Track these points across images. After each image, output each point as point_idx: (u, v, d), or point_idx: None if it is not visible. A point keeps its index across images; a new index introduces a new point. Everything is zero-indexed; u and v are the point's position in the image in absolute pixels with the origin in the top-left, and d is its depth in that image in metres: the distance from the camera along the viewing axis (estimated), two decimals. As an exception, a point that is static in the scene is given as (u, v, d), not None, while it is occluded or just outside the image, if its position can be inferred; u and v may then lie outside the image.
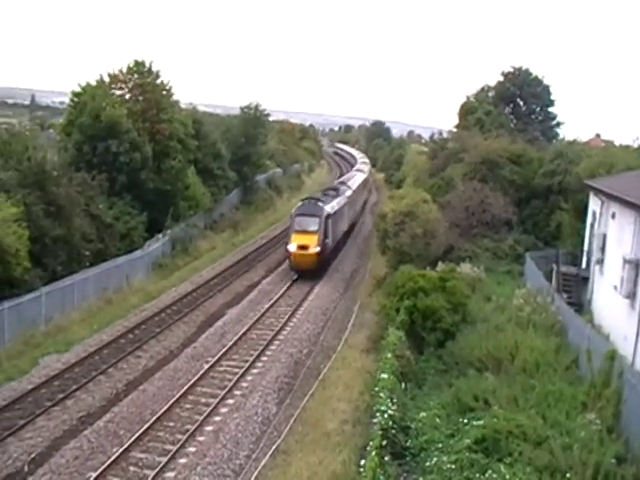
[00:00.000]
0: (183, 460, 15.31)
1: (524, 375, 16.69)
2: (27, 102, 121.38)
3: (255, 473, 14.78)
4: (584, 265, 25.43)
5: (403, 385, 17.13)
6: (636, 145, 34.55)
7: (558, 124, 51.08)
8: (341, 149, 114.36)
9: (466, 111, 51.76)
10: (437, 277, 22.17)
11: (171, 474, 14.66)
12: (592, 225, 24.96)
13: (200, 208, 40.05)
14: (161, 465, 14.89)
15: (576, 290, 24.62)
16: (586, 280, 24.40)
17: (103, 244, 27.47)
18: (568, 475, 12.10)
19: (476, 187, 33.33)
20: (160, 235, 33.19)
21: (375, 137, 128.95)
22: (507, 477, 12.25)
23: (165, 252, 33.25)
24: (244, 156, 51.38)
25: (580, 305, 23.32)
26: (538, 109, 51.34)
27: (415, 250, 28.50)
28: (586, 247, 25.58)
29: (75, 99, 33.61)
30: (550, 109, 51.40)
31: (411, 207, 29.72)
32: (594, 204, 24.87)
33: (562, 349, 18.34)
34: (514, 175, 34.23)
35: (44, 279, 23.31)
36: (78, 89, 33.79)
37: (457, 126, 52.48)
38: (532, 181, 33.64)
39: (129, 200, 31.53)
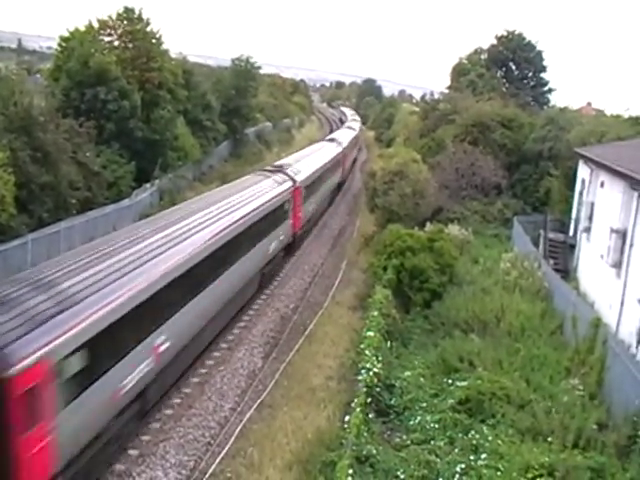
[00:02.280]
0: (169, 411, 15.19)
1: (509, 338, 16.71)
2: (14, 46, 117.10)
3: (240, 426, 14.71)
4: (571, 232, 25.33)
5: (389, 343, 17.13)
6: (627, 115, 34.15)
7: (550, 90, 50.35)
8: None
9: (458, 73, 51.01)
10: (425, 237, 22.04)
11: (156, 425, 14.54)
12: (581, 193, 24.75)
13: (189, 159, 39.32)
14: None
15: (563, 257, 24.59)
16: (573, 247, 24.34)
17: (90, 192, 26.78)
18: (550, 439, 12.16)
19: (467, 149, 32.90)
20: (148, 185, 32.52)
21: (366, 95, 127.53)
22: (490, 438, 12.36)
23: (153, 202, 32.58)
24: (234, 108, 50.52)
25: (566, 272, 23.32)
26: (530, 74, 50.47)
27: (404, 209, 28.22)
28: (574, 214, 25.42)
29: (63, 44, 32.56)
30: (542, 75, 50.55)
31: (401, 166, 29.26)
32: (583, 172, 24.59)
33: (547, 314, 18.33)
34: (505, 139, 33.85)
35: (30, 226, 22.67)
36: (66, 34, 32.78)
37: (449, 87, 51.69)
38: (523, 146, 33.31)
39: (117, 149, 30.74)
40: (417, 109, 60.81)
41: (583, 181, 24.46)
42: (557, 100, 50.25)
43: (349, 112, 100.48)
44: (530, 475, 10.91)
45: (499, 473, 11.16)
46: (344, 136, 52.35)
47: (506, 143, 33.75)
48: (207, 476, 12.79)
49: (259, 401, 15.89)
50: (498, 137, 33.83)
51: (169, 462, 13.16)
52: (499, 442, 12.16)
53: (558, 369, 15.08)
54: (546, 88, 50.32)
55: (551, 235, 25.42)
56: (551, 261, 23.60)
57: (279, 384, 16.83)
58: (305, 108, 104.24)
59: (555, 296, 19.64)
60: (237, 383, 16.91)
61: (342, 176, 45.83)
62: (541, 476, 10.84)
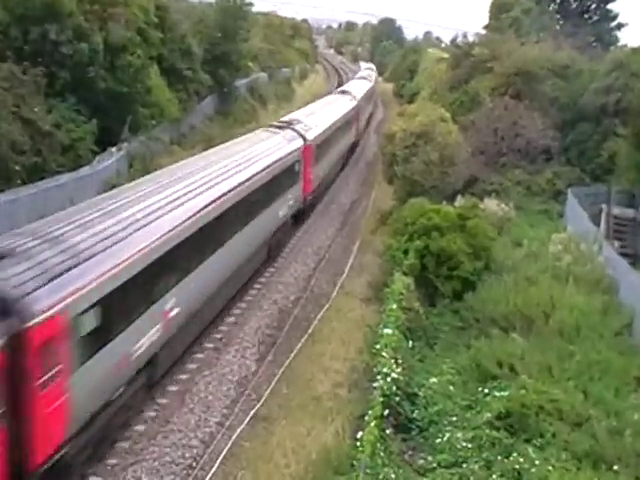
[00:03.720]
0: (140, 427, 15.17)
1: (561, 339, 16.73)
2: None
3: (229, 444, 14.70)
4: (644, 207, 25.26)
5: (410, 343, 17.32)
6: None
7: (619, 26, 49.83)
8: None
9: (499, 8, 51.21)
10: (455, 214, 22.28)
11: (125, 444, 14.52)
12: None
13: (165, 117, 39.22)
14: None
15: (632, 238, 24.60)
16: (645, 226, 24.32)
17: (40, 157, 26.53)
18: (616, 467, 12.09)
19: (508, 105, 33.12)
20: (114, 149, 32.36)
21: (383, 38, 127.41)
22: (537, 463, 12.32)
23: (120, 171, 32.41)
24: (221, 55, 50.22)
25: (636, 257, 23.24)
26: (593, 6, 49.87)
27: (429, 180, 28.47)
28: (647, 184, 25.31)
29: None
30: (609, 6, 49.93)
31: (426, 127, 29.47)
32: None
33: (611, 310, 18.38)
34: (557, 91, 34.21)
35: (-40, 199, 22.57)
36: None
37: (487, 27, 52.62)
38: (580, 99, 33.34)
39: (74, 103, 30.43)
40: (446, 55, 60.84)
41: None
42: (629, 38, 49.85)
43: (364, 65, 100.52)
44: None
45: (549, 506, 11.15)
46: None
47: (558, 96, 34.05)
48: (187, 506, 12.83)
49: (252, 413, 15.89)
50: (548, 89, 34.17)
51: (140, 490, 13.16)
52: (549, 468, 12.13)
53: (625, 379, 15.13)
54: (614, 23, 49.71)
55: (616, 211, 25.45)
56: (616, 243, 23.71)
57: (277, 392, 16.87)
58: (308, 55, 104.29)
59: (621, 287, 19.60)
60: (225, 391, 16.93)
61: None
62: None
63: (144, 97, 36.04)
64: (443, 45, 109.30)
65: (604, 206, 25.68)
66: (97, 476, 13.42)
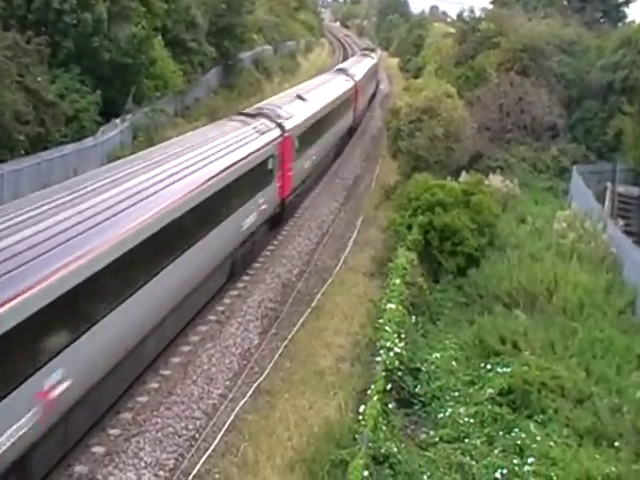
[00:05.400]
0: (143, 398, 15.15)
1: (564, 316, 16.70)
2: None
3: (231, 416, 14.70)
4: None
5: (413, 318, 17.33)
6: None
7: (627, 2, 49.05)
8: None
9: (506, -17, 50.20)
10: (460, 190, 22.25)
11: (128, 415, 14.52)
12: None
13: (169, 89, 38.96)
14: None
15: (636, 216, 24.57)
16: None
17: (43, 127, 26.32)
18: (617, 444, 12.09)
19: (514, 81, 33.10)
20: (118, 120, 32.21)
21: (389, 11, 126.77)
22: (538, 438, 12.34)
23: (124, 142, 32.33)
24: (225, 27, 49.72)
25: (641, 235, 23.20)
26: (601, -19, 49.24)
27: (434, 155, 28.36)
28: (654, 162, 25.21)
29: None
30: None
31: (431, 102, 29.29)
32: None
33: (614, 288, 18.35)
34: (564, 67, 33.86)
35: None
36: None
37: (493, 2, 51.91)
38: (587, 76, 33.20)
39: (77, 74, 30.19)
40: (452, 30, 60.41)
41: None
42: (637, 14, 49.42)
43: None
44: (591, 487, 10.90)
45: (550, 482, 11.17)
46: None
47: (565, 72, 33.75)
48: (190, 478, 12.78)
49: (255, 386, 15.91)
50: (555, 65, 33.85)
51: (143, 461, 13.08)
52: (550, 444, 12.15)
53: (628, 357, 15.06)
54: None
55: (621, 189, 25.40)
56: (621, 221, 23.74)
57: (279, 366, 16.87)
58: (313, 28, 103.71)
59: (625, 265, 19.58)
60: (228, 364, 16.91)
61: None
62: (605, 489, 10.82)
63: (148, 69, 35.77)
64: (449, 20, 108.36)
65: (609, 184, 25.67)
66: (101, 446, 13.42)
